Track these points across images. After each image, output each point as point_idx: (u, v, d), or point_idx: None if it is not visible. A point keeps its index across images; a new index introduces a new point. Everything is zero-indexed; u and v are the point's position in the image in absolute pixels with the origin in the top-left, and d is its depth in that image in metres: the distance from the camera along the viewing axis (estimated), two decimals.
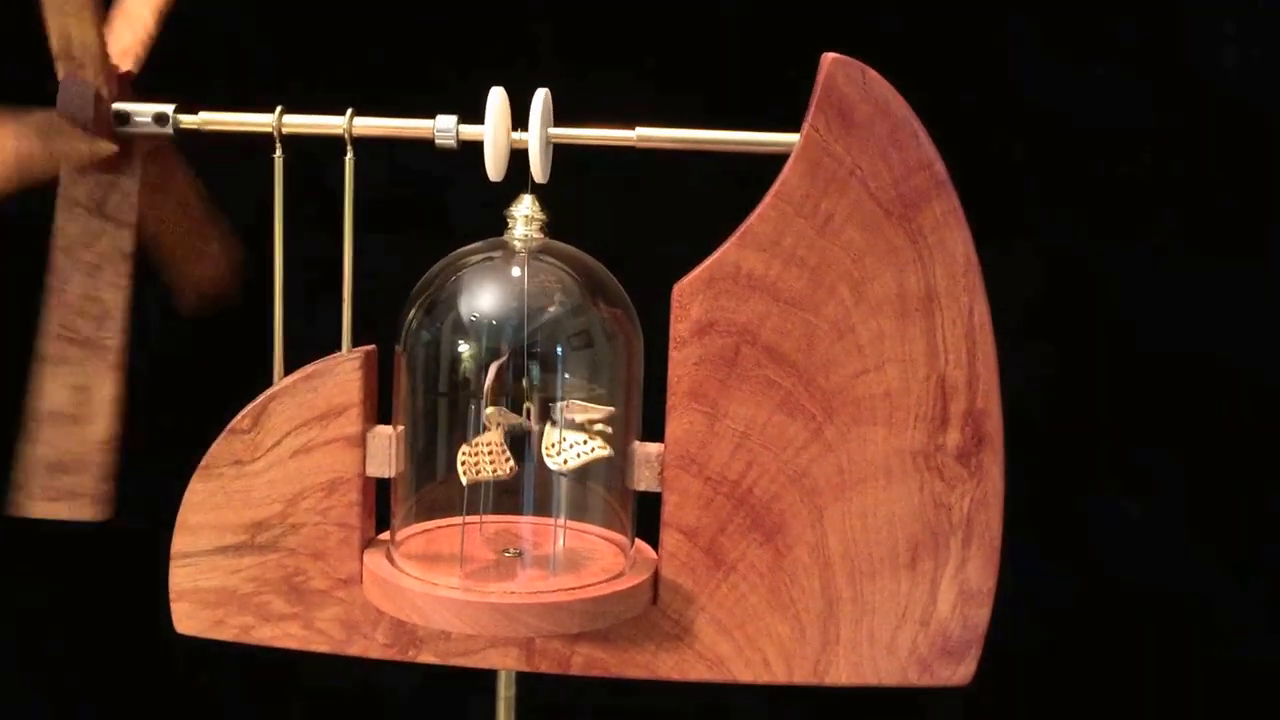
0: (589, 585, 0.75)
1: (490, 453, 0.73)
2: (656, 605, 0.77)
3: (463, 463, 0.73)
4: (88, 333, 0.76)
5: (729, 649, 0.77)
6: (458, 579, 0.75)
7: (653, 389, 0.78)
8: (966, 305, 0.74)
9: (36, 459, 0.77)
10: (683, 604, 0.77)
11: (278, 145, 0.76)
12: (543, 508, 0.79)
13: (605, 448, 0.75)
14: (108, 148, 0.75)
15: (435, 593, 0.73)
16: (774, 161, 0.75)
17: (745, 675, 0.78)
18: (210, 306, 0.88)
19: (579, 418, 0.74)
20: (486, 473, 0.73)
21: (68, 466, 0.77)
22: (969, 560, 0.76)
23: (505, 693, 0.81)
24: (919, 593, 0.76)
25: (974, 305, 0.74)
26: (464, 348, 0.75)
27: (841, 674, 0.77)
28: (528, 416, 0.75)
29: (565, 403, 0.75)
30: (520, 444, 0.76)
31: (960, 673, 0.77)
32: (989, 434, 0.75)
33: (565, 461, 0.74)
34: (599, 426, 0.75)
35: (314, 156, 0.77)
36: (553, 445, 0.74)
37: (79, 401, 0.76)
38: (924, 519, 0.76)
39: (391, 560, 0.77)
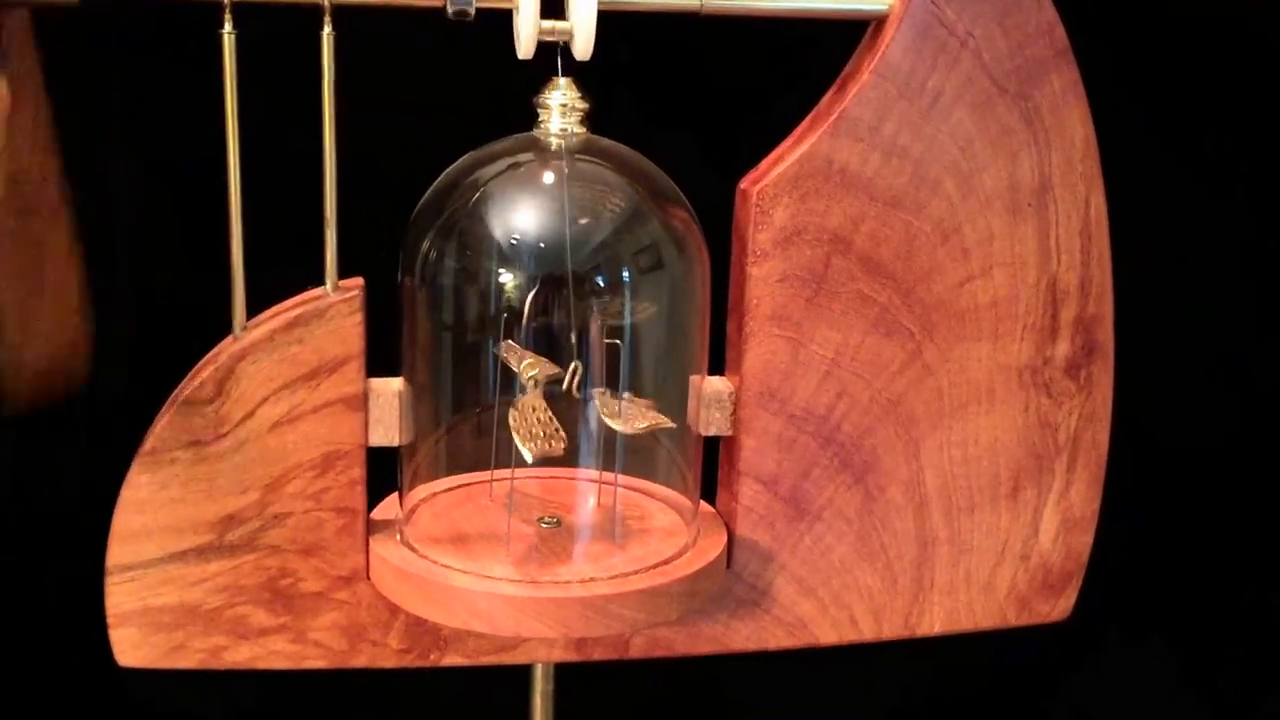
0: (673, 559, 0.61)
1: (539, 421, 0.58)
2: (730, 569, 0.65)
3: (517, 431, 0.57)
4: None
5: (811, 609, 0.66)
6: (510, 567, 0.60)
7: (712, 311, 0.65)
8: (1083, 195, 0.64)
9: None
10: (760, 564, 0.65)
11: (227, 17, 0.56)
12: (573, 458, 0.65)
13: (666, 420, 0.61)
14: None
15: (498, 590, 0.58)
16: (844, 35, 0.62)
17: (829, 637, 0.67)
18: (46, 394, 0.66)
19: (638, 425, 0.60)
20: (543, 445, 0.57)
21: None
22: (1073, 484, 0.67)
23: (543, 687, 0.67)
24: (1020, 525, 0.67)
25: (1091, 195, 0.64)
26: (507, 277, 0.59)
27: (935, 623, 0.68)
28: (573, 378, 0.60)
29: (626, 396, 0.61)
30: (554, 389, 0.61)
31: (1059, 607, 0.69)
32: (1100, 342, 0.66)
33: (627, 425, 0.60)
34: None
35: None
36: (612, 411, 0.60)
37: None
38: (1028, 443, 0.66)
39: (411, 546, 0.61)
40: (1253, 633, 0.92)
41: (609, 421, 0.60)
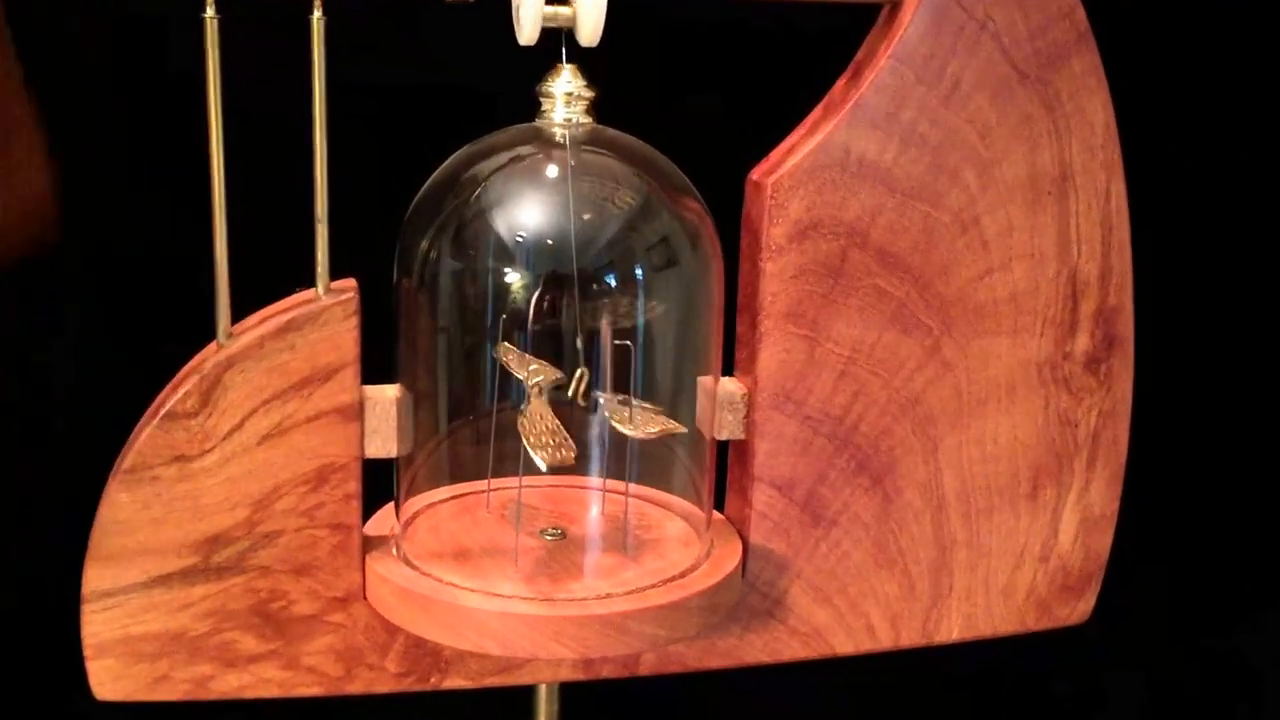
0: (690, 572, 0.58)
1: (547, 430, 0.55)
2: (744, 578, 0.62)
3: (528, 439, 0.54)
4: None
5: (828, 618, 0.64)
6: (520, 583, 0.56)
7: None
8: (1104, 184, 0.62)
9: None
10: (774, 573, 0.62)
11: (210, 1, 0.53)
12: (574, 466, 0.62)
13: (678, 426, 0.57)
14: None
15: (511, 609, 0.54)
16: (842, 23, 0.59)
17: (846, 646, 0.64)
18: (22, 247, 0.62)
19: (649, 429, 0.56)
20: (554, 454, 0.54)
21: None
22: (1093, 482, 0.65)
23: (547, 709, 0.63)
24: (1039, 526, 0.65)
25: (1111, 183, 0.62)
26: (512, 276, 0.55)
27: (953, 629, 0.65)
28: (579, 385, 0.56)
29: (636, 405, 0.57)
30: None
31: (1079, 610, 0.67)
32: (1120, 335, 0.64)
33: (637, 429, 0.56)
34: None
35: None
36: (622, 417, 0.57)
37: None
38: (1047, 440, 0.64)
39: (410, 563, 0.57)
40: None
41: (619, 427, 0.56)
